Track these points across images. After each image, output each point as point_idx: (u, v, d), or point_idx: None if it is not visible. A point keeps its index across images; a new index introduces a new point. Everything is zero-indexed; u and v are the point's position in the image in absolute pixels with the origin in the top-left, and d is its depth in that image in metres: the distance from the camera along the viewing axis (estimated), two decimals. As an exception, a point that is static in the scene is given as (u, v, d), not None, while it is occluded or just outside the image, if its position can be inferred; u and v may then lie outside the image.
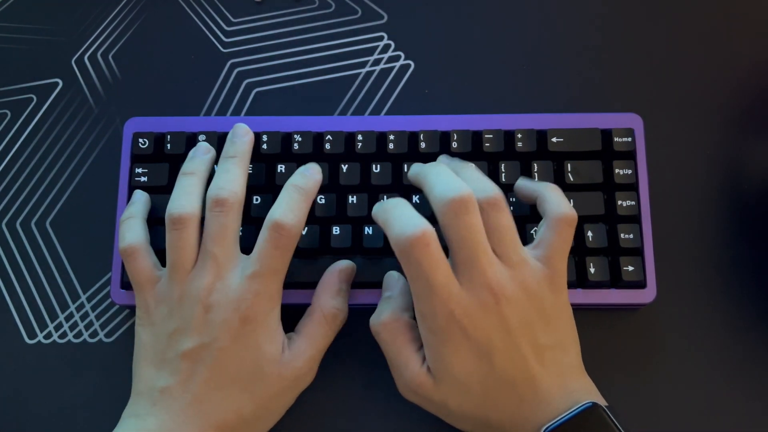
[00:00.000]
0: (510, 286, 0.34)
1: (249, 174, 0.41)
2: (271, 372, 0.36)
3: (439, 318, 0.33)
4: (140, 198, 0.40)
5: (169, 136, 0.42)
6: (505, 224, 0.35)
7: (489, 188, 0.35)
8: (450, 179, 0.35)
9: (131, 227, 0.38)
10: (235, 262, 0.36)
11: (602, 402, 0.34)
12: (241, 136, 0.40)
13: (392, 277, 0.38)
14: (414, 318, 0.36)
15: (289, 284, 0.38)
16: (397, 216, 0.34)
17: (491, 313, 0.33)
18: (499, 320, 0.33)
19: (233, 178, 0.38)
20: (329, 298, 0.38)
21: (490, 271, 0.34)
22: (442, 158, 0.40)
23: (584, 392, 0.34)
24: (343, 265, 0.39)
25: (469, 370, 0.34)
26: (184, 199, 0.37)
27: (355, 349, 0.42)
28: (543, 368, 0.34)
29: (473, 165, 0.38)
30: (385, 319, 0.36)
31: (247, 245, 0.38)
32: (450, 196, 0.34)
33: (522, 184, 0.39)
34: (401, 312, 0.36)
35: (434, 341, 0.34)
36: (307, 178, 0.39)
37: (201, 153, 0.40)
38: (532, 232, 0.40)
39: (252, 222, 0.41)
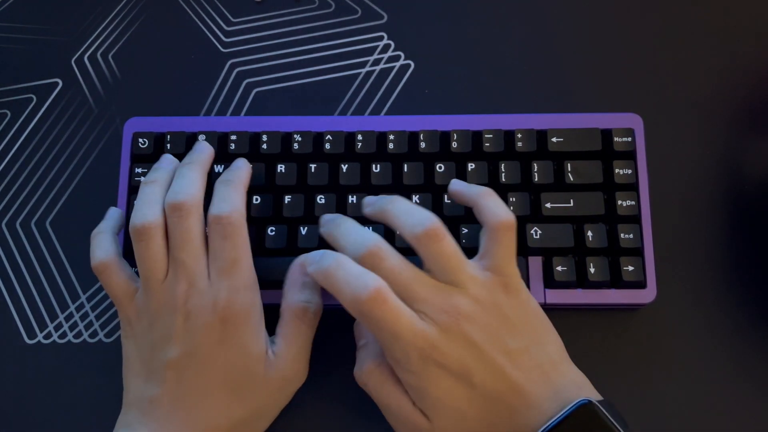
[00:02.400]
0: (463, 303, 0.33)
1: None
2: (257, 373, 0.35)
3: (412, 358, 0.33)
4: (112, 214, 0.40)
5: (169, 136, 0.42)
6: (448, 251, 0.34)
7: (424, 219, 0.34)
8: (357, 232, 0.35)
9: (100, 243, 0.37)
10: (204, 265, 0.36)
11: (595, 395, 0.34)
12: (200, 150, 0.40)
13: (362, 325, 0.38)
14: None
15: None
16: (343, 278, 0.33)
17: (455, 335, 0.33)
18: (465, 339, 0.33)
19: (189, 182, 0.37)
20: (295, 293, 0.37)
21: (437, 297, 0.33)
22: (367, 199, 0.38)
23: (573, 387, 0.34)
24: (304, 257, 0.38)
25: (456, 397, 0.33)
26: (146, 208, 0.36)
27: (354, 348, 0.42)
28: (522, 373, 0.33)
29: (399, 197, 0.37)
30: (367, 367, 0.35)
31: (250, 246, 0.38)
32: (360, 252, 0.34)
33: (456, 189, 0.38)
34: (381, 356, 0.36)
35: (414, 381, 0.33)
36: (232, 170, 0.39)
37: (164, 163, 0.39)
38: (532, 231, 0.40)
39: (253, 222, 0.41)
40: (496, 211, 0.35)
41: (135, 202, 0.37)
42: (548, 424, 0.32)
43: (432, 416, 0.34)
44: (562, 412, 0.32)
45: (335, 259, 0.34)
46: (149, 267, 0.36)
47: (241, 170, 0.39)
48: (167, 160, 0.40)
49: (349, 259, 0.34)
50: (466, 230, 0.40)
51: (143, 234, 0.35)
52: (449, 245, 0.34)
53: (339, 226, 0.37)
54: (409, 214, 0.35)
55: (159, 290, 0.36)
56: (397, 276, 0.34)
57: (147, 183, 0.38)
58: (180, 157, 0.42)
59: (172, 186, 0.37)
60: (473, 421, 0.33)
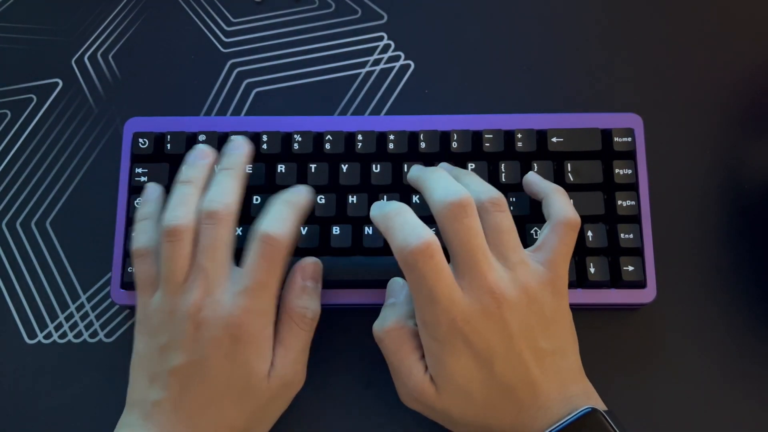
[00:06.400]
0: (511, 290, 0.34)
1: (249, 174, 0.41)
2: (259, 385, 0.35)
3: (442, 326, 0.33)
4: (154, 197, 0.39)
5: (169, 136, 0.42)
6: (506, 225, 0.35)
7: (491, 190, 0.36)
8: (449, 183, 0.35)
9: (146, 230, 0.38)
10: (225, 276, 0.36)
11: (602, 407, 0.34)
12: (237, 149, 0.39)
13: (397, 283, 0.38)
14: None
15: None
16: (399, 225, 0.34)
17: (493, 318, 0.33)
18: (501, 325, 0.33)
19: (226, 190, 0.37)
20: (294, 298, 0.37)
21: (491, 275, 0.33)
22: (443, 165, 0.40)
23: (584, 396, 0.34)
24: (305, 262, 0.39)
25: (470, 377, 0.34)
26: (180, 209, 0.36)
27: (354, 349, 0.42)
28: (543, 373, 0.34)
29: (473, 172, 0.39)
30: (389, 326, 0.36)
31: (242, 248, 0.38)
32: (449, 200, 0.34)
33: (531, 180, 0.39)
34: (405, 319, 0.36)
35: (436, 349, 0.34)
36: (298, 194, 0.38)
37: (199, 158, 0.39)
38: (532, 231, 0.40)
39: (252, 222, 0.40)
40: (565, 207, 0.36)
41: (169, 200, 0.37)
42: (556, 425, 0.32)
43: (441, 387, 0.34)
44: (569, 416, 0.33)
45: (399, 206, 0.35)
46: (171, 268, 0.36)
47: (305, 196, 0.39)
48: (202, 153, 0.39)
49: (411, 211, 0.35)
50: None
51: (172, 235, 0.35)
52: (508, 219, 0.35)
53: (434, 173, 0.37)
54: (481, 184, 0.37)
55: (176, 292, 0.35)
56: (472, 237, 0.34)
57: (183, 182, 0.38)
58: (180, 158, 0.42)
59: (208, 192, 0.37)
60: (479, 405, 0.34)
